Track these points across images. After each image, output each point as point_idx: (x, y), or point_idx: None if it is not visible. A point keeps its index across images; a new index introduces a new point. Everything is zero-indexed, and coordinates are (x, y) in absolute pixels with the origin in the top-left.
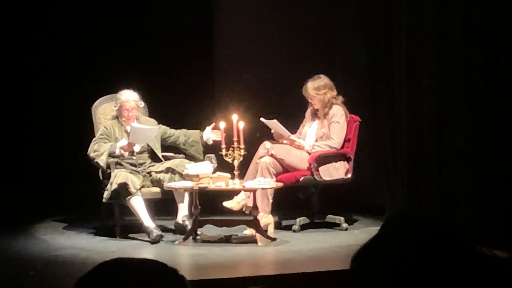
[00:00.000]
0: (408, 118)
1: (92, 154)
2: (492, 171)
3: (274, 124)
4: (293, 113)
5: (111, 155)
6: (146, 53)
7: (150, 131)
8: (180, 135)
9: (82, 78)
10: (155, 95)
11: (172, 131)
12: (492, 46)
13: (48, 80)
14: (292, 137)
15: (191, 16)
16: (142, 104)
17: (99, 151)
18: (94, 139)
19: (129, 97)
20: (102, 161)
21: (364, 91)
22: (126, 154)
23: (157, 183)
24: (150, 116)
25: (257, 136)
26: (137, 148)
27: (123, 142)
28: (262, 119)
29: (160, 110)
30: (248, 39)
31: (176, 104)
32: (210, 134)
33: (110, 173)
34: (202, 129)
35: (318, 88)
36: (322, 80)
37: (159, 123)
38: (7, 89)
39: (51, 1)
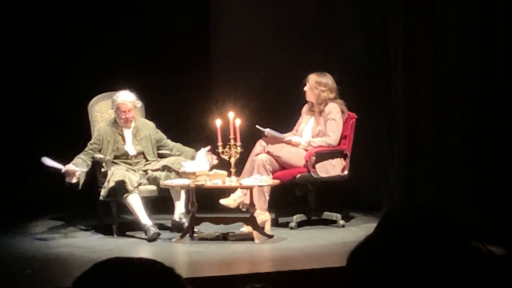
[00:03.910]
0: (405, 115)
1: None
2: (488, 167)
3: (269, 132)
4: (290, 111)
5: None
6: (143, 51)
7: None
8: (174, 148)
9: (80, 76)
10: (151, 93)
11: (168, 141)
12: (489, 40)
13: (46, 77)
14: (288, 138)
15: (188, 13)
16: (139, 104)
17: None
18: (88, 143)
19: (125, 98)
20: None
21: (361, 88)
22: (71, 180)
23: (153, 181)
24: (147, 115)
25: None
26: (132, 152)
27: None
28: (257, 126)
29: (156, 108)
30: (245, 37)
31: (172, 102)
32: (203, 158)
33: (107, 171)
34: (199, 130)
35: (319, 83)
36: (326, 79)
37: (157, 127)
38: (4, 86)
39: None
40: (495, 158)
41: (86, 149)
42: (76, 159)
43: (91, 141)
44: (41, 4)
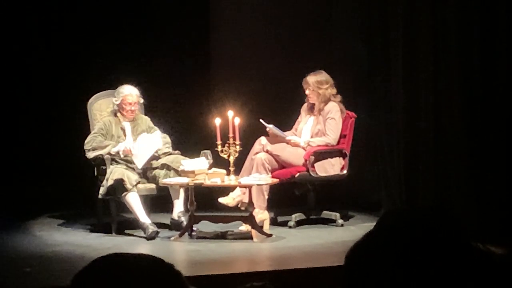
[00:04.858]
0: (405, 114)
1: (94, 144)
2: (488, 167)
3: (272, 129)
4: (289, 110)
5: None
6: (143, 50)
7: (152, 139)
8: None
9: (78, 74)
10: (151, 92)
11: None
12: (489, 40)
13: (44, 76)
14: (288, 137)
15: (188, 13)
16: (142, 100)
17: (102, 144)
18: (93, 132)
19: (132, 91)
20: (104, 151)
21: (361, 87)
22: (122, 155)
23: (153, 179)
24: (147, 113)
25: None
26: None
27: (128, 144)
28: (261, 120)
29: (156, 107)
30: (245, 35)
31: (172, 101)
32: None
33: (105, 169)
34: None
35: (320, 82)
36: (324, 76)
37: (155, 124)
38: (3, 86)
39: None
40: (495, 158)
41: (96, 134)
42: (107, 141)
43: (97, 132)
44: (41, 3)
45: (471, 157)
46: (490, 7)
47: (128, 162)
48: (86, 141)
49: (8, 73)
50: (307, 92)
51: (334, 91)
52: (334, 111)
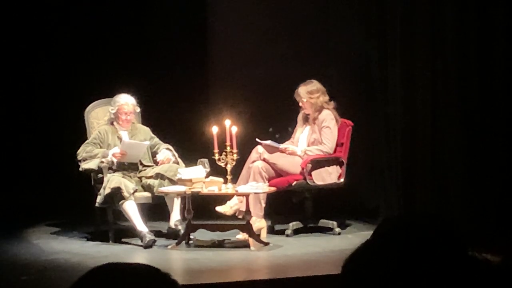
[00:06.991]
0: (402, 122)
1: (84, 154)
2: (487, 174)
3: (269, 144)
4: (286, 118)
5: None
6: (140, 59)
7: (140, 146)
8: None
9: (75, 82)
10: (148, 100)
11: (161, 146)
12: (486, 47)
13: (41, 84)
14: (285, 146)
15: (185, 19)
16: (138, 109)
17: (91, 153)
18: (86, 142)
19: (128, 100)
20: (94, 164)
21: (358, 94)
22: (115, 161)
23: (148, 188)
24: (144, 121)
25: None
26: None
27: (116, 149)
28: (258, 140)
29: (153, 115)
30: (242, 44)
31: (169, 109)
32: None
33: (102, 178)
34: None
35: (311, 92)
36: (315, 85)
37: (153, 132)
38: (0, 93)
39: (45, 5)
40: (493, 165)
41: (88, 143)
42: (96, 150)
43: (94, 138)
44: (38, 11)
45: (469, 164)
46: (487, 9)
47: (125, 170)
48: (77, 152)
49: (6, 81)
50: (300, 103)
51: (327, 98)
52: (329, 119)
